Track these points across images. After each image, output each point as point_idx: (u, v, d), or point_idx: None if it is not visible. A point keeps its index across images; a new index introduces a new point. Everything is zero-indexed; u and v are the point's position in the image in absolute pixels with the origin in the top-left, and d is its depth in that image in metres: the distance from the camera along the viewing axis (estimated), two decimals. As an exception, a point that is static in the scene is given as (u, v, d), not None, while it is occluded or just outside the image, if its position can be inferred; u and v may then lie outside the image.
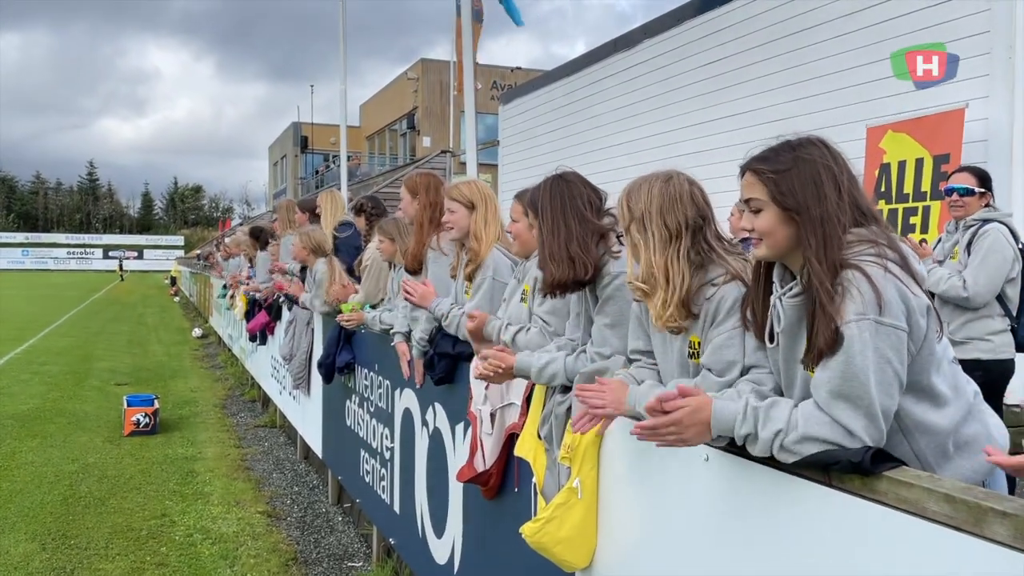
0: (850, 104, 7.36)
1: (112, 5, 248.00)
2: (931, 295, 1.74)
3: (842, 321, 1.62)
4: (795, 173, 1.75)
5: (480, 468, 3.14)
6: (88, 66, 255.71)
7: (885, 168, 6.66)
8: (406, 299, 3.82)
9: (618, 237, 2.57)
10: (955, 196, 4.23)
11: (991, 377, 3.95)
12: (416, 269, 4.14)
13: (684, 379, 2.13)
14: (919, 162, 6.41)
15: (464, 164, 13.11)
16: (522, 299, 3.13)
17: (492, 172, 18.61)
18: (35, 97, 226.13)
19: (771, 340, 1.86)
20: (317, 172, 45.57)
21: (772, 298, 1.85)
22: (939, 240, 4.49)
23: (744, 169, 1.84)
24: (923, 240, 6.17)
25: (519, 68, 33.75)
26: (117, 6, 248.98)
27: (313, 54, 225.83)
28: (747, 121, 8.60)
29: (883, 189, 6.62)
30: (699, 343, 2.12)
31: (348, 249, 6.49)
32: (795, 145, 1.80)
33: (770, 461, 1.74)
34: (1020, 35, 6.10)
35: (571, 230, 2.54)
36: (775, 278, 1.86)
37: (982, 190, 4.18)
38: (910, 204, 6.47)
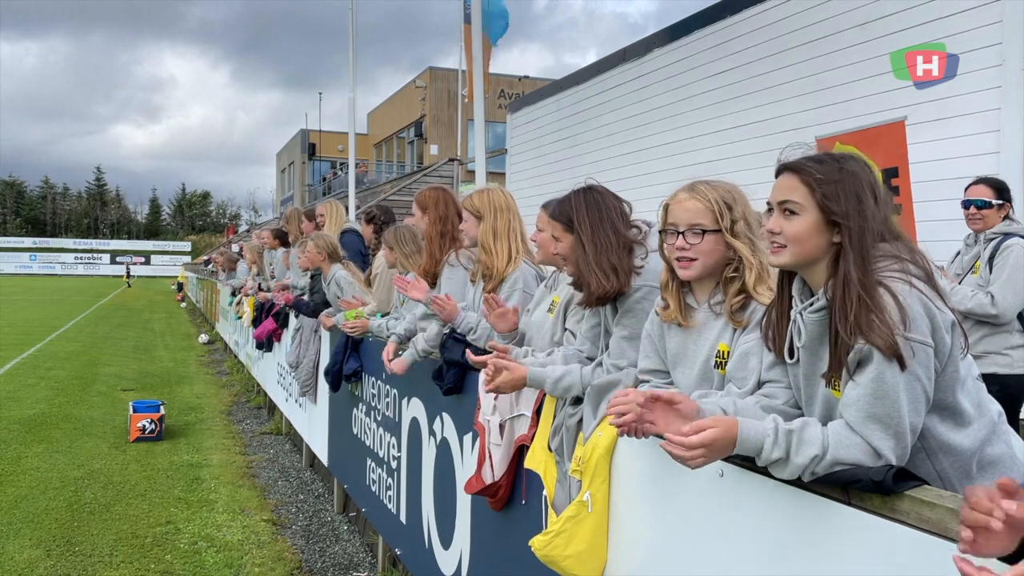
0: (862, 115, 7.32)
1: (130, 13, 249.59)
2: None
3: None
4: (841, 186, 1.71)
5: (488, 480, 3.10)
6: (104, 73, 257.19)
7: None
8: (434, 309, 3.75)
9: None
10: (972, 209, 4.19)
11: (1008, 392, 3.90)
12: (429, 285, 4.09)
13: (705, 390, 2.10)
14: None
15: (472, 172, 13.11)
16: (549, 309, 3.08)
17: (499, 181, 18.63)
18: (50, 103, 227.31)
19: (791, 356, 1.83)
20: (324, 179, 45.65)
21: (792, 312, 1.81)
22: (957, 254, 4.44)
23: (785, 168, 1.78)
24: None
25: (527, 77, 33.81)
26: (135, 14, 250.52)
27: (327, 63, 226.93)
28: (757, 131, 8.58)
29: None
30: (728, 352, 2.10)
31: (353, 255, 6.61)
32: (839, 158, 1.76)
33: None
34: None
35: (610, 241, 2.52)
36: (795, 292, 1.82)
37: (1000, 201, 4.14)
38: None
